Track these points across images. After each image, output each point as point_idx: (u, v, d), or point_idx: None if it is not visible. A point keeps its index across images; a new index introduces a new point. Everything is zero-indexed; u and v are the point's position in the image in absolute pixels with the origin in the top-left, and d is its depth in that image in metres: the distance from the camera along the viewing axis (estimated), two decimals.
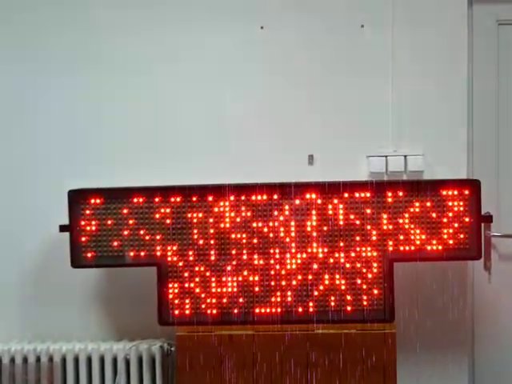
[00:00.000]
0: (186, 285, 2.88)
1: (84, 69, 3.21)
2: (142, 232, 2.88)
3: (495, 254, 3.25)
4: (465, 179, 3.03)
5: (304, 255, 2.85)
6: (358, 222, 2.84)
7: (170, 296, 2.88)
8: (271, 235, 2.85)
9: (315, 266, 2.85)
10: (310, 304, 2.86)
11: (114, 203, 2.89)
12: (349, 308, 2.85)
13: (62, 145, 3.23)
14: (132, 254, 2.89)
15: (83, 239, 2.89)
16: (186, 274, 2.88)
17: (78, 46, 3.21)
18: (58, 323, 3.23)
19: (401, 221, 2.83)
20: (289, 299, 2.86)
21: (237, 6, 3.18)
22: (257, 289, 2.87)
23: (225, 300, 2.88)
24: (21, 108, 3.25)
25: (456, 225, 2.83)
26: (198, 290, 2.88)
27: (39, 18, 3.21)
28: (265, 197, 2.85)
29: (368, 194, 2.84)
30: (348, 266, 2.84)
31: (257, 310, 2.87)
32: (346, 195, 2.84)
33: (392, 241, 2.84)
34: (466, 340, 3.22)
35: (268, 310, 2.87)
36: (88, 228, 2.89)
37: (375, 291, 2.84)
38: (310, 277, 2.85)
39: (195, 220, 2.87)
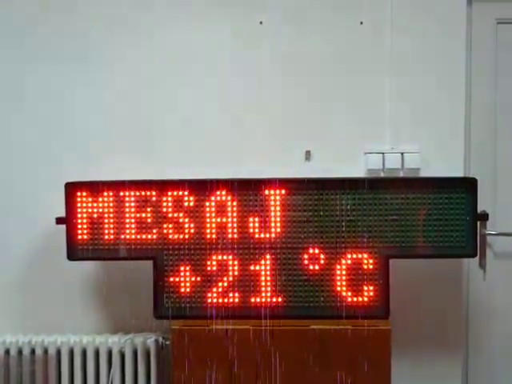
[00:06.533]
0: (182, 278, 2.88)
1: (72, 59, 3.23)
2: (138, 225, 2.88)
3: (490, 252, 3.25)
4: (461, 177, 3.04)
5: (299, 250, 2.86)
6: (353, 218, 2.85)
7: (166, 289, 2.88)
8: (269, 229, 2.86)
9: (310, 262, 2.85)
10: (306, 299, 2.86)
11: (111, 196, 2.89)
12: (344, 304, 2.85)
13: (60, 136, 3.24)
14: (128, 246, 2.89)
15: (79, 232, 2.89)
16: (182, 268, 2.88)
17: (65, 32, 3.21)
18: (53, 316, 3.23)
19: (397, 217, 2.84)
20: (284, 294, 2.87)
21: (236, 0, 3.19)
22: (253, 283, 2.87)
23: (221, 294, 2.88)
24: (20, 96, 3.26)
25: (452, 222, 2.83)
26: (194, 284, 2.88)
27: None
28: (265, 191, 2.85)
29: (364, 191, 2.84)
30: (343, 262, 2.85)
31: (253, 305, 2.87)
32: (342, 191, 2.84)
33: (387, 237, 2.84)
34: (460, 338, 3.23)
35: (264, 305, 2.87)
36: (85, 221, 2.89)
37: (370, 287, 2.85)
38: (305, 272, 2.86)
39: (193, 213, 2.87)
